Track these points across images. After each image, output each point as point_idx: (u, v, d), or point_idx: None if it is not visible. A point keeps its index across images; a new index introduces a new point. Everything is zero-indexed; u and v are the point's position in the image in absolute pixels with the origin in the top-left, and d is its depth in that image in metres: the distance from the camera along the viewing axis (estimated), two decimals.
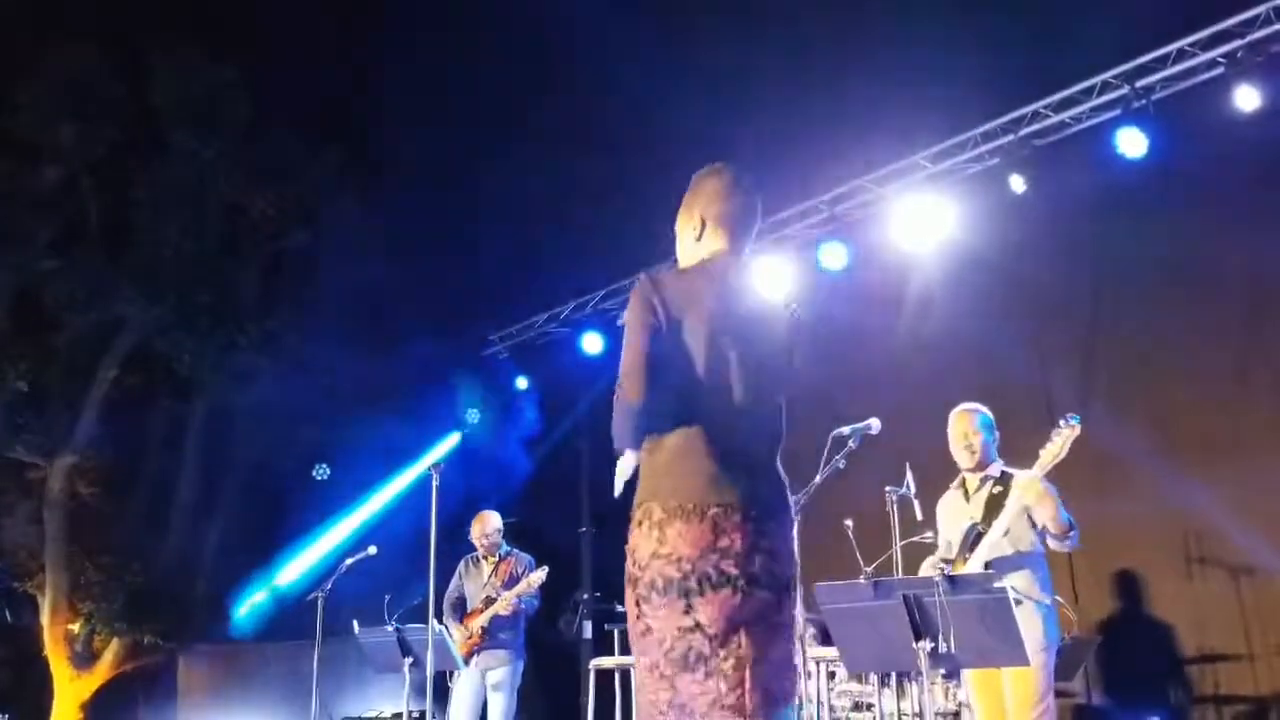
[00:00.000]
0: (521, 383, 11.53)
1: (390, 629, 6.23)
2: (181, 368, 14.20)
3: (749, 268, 2.90)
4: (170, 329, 14.10)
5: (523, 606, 6.69)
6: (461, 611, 6.82)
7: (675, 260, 3.06)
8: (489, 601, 6.65)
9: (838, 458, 4.44)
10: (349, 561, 7.34)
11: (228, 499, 14.40)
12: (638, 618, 2.63)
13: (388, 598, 6.65)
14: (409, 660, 6.10)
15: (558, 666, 9.44)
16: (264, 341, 14.23)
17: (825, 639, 5.24)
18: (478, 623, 6.62)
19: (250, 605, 11.34)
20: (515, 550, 6.95)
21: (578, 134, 11.05)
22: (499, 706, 6.54)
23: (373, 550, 7.35)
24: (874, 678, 5.28)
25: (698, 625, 2.52)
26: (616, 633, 7.39)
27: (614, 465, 2.90)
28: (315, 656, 7.13)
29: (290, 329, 14.41)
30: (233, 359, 14.20)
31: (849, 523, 5.27)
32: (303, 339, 13.90)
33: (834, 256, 8.71)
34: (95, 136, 14.29)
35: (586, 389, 11.02)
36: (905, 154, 8.49)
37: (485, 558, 6.87)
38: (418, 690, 6.19)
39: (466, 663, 6.52)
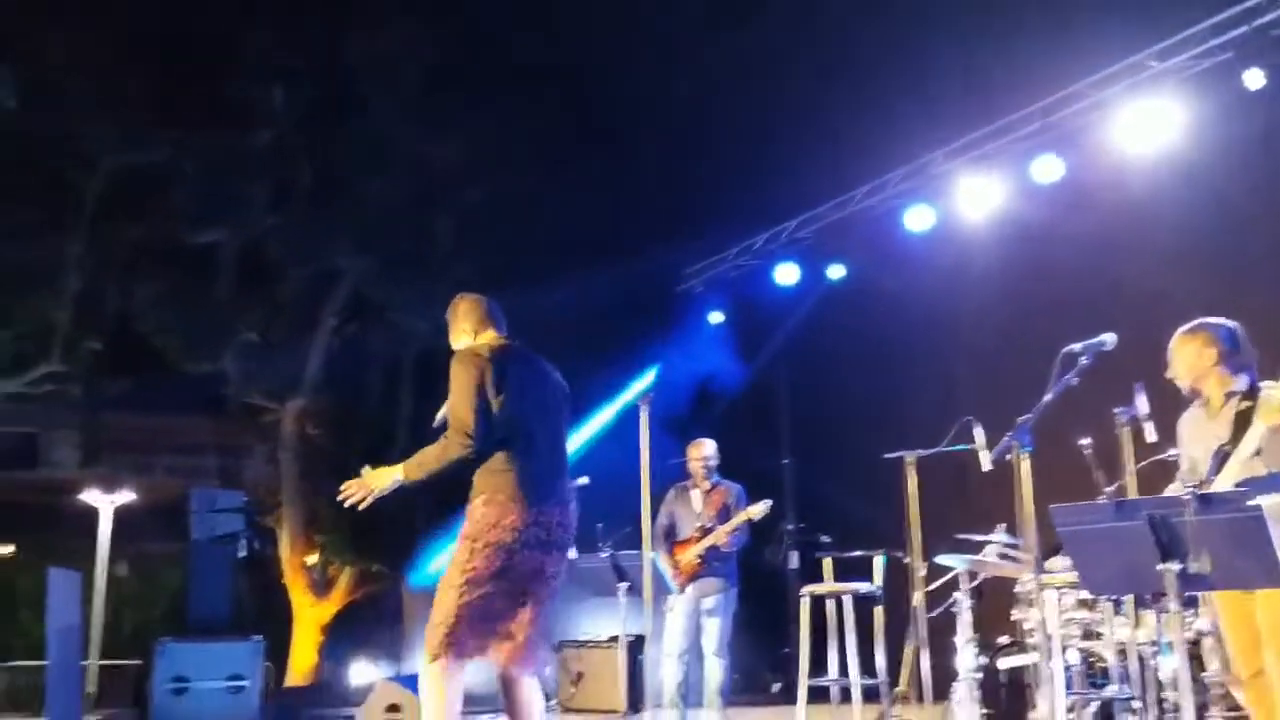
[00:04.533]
0: (716, 316, 11.51)
1: (604, 554, 6.37)
2: (392, 315, 14.87)
3: None
4: (378, 278, 14.78)
5: (734, 544, 6.71)
6: (671, 539, 6.91)
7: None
8: (703, 531, 6.71)
9: (1069, 375, 4.20)
10: None
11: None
12: None
13: (599, 526, 6.80)
14: (623, 585, 6.24)
15: (767, 595, 9.49)
16: (460, 288, 14.67)
17: None
18: (692, 552, 6.69)
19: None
20: (725, 481, 6.98)
21: (770, 64, 10.83)
22: (713, 632, 6.62)
23: (584, 480, 7.53)
24: (1107, 604, 5.05)
25: None
26: (828, 561, 7.34)
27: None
28: None
29: (483, 275, 14.83)
30: (432, 306, 14.74)
31: (1086, 442, 5.00)
32: (498, 285, 14.24)
33: (1048, 169, 8.26)
34: (299, 98, 15.01)
35: (781, 321, 10.91)
36: (1126, 54, 7.91)
37: (696, 486, 6.93)
38: (633, 615, 6.33)
39: (681, 590, 6.62)
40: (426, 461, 3.91)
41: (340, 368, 14.36)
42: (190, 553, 9.06)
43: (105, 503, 19.60)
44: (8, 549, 21.77)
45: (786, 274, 10.67)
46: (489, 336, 4.22)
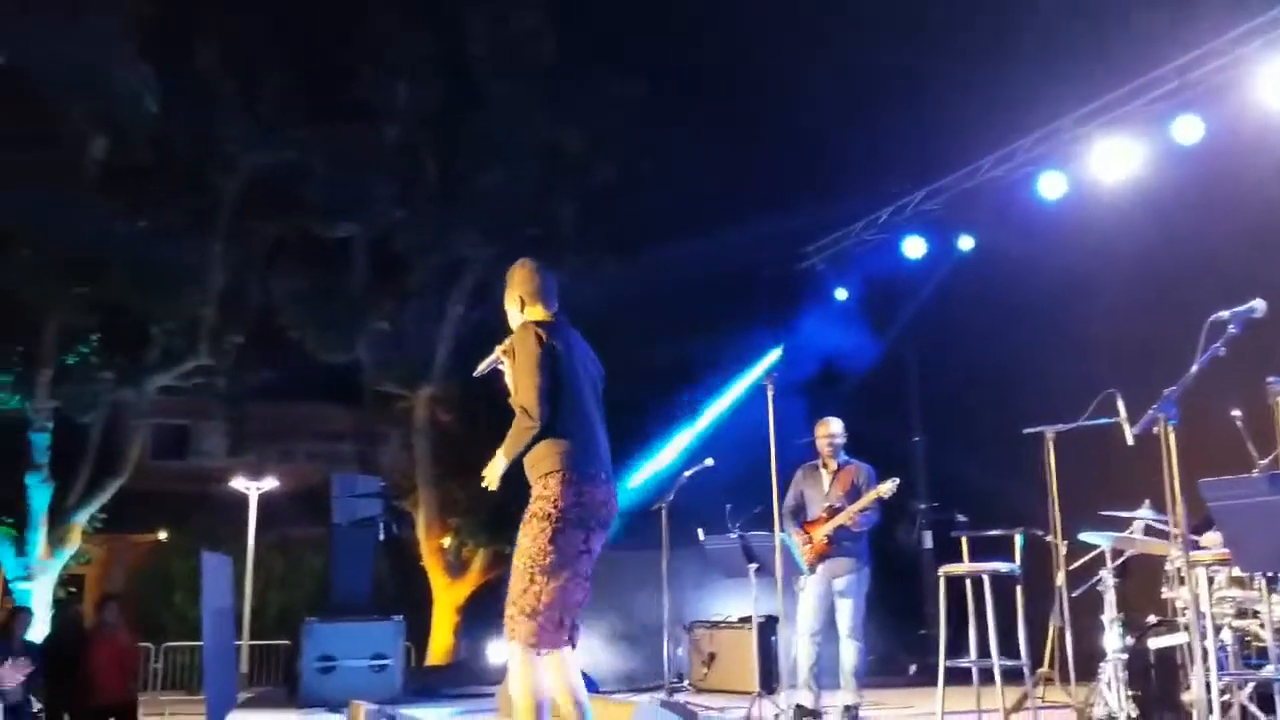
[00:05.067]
0: (841, 292, 11.35)
1: (734, 536, 6.36)
2: None
3: None
4: (503, 265, 14.97)
5: (865, 524, 6.63)
6: (800, 519, 6.86)
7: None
8: (832, 511, 6.64)
9: (1217, 344, 4.01)
10: (688, 473, 7.57)
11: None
12: None
13: (728, 506, 6.79)
14: (754, 566, 6.22)
15: (901, 575, 9.36)
16: (585, 270, 14.86)
17: None
18: (821, 532, 6.63)
19: None
20: (854, 460, 6.89)
21: (890, 34, 10.61)
22: (847, 612, 6.55)
23: (710, 462, 7.55)
24: (1261, 581, 4.81)
25: None
26: (964, 540, 7.19)
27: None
28: (664, 563, 7.45)
29: (608, 258, 14.96)
30: (560, 290, 14.92)
31: (1237, 413, 4.77)
32: (621, 266, 14.38)
33: (1188, 130, 7.89)
34: (423, 93, 15.35)
35: (910, 295, 10.71)
36: (1266, 7, 7.48)
37: (824, 465, 6.86)
38: (764, 595, 6.32)
39: (812, 570, 6.57)
40: (511, 446, 3.85)
41: (468, 354, 14.70)
42: (332, 536, 9.36)
43: (252, 489, 20.57)
44: (162, 534, 23.00)
45: (914, 247, 10.46)
46: (538, 312, 4.14)
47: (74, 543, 15.92)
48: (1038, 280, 9.18)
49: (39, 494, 15.14)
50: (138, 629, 11.13)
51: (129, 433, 16.18)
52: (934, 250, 10.41)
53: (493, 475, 3.99)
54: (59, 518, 15.48)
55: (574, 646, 3.80)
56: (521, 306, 4.18)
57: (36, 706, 9.15)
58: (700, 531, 6.65)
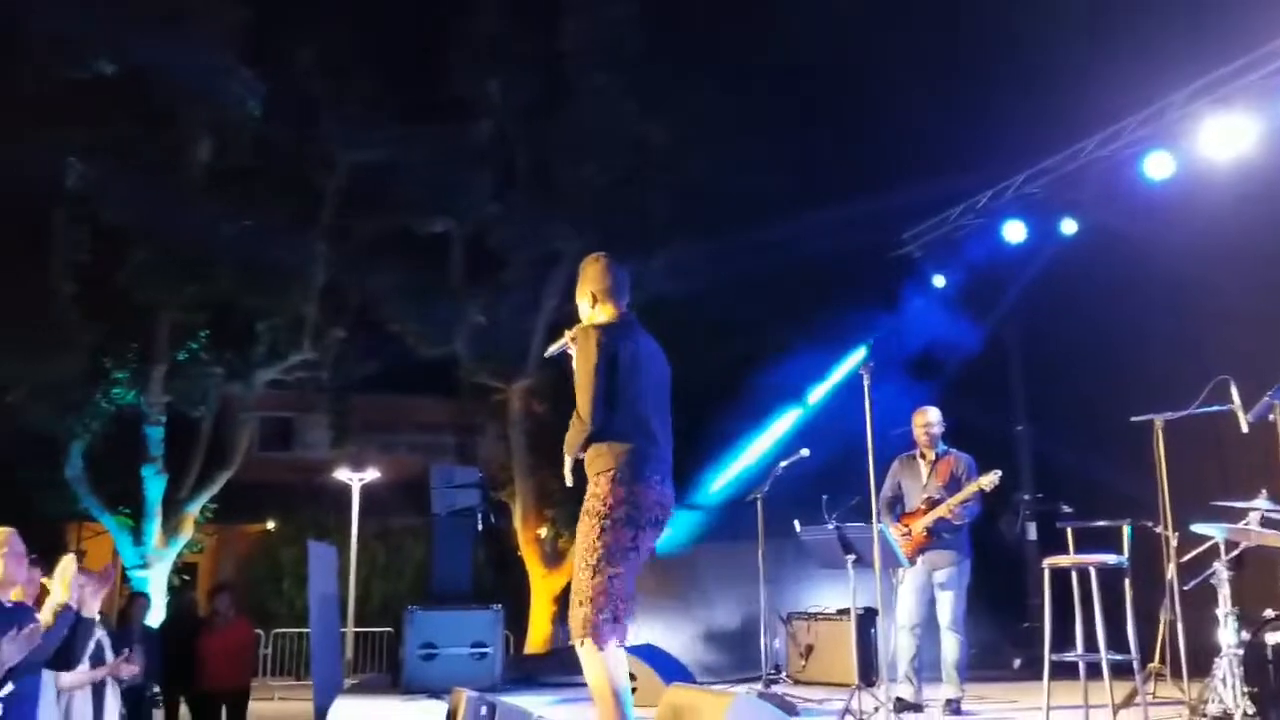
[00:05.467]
0: (939, 280, 11.15)
1: (831, 527, 6.31)
2: None
3: None
4: None
5: (965, 515, 6.51)
6: (898, 510, 6.77)
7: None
8: (931, 503, 6.54)
9: None
10: (783, 464, 7.54)
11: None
12: None
13: (825, 497, 6.74)
14: (851, 558, 6.16)
15: (1004, 567, 9.17)
16: (673, 264, 14.87)
17: None
18: (921, 523, 6.53)
19: (691, 510, 11.97)
20: (953, 450, 6.77)
21: (985, 12, 10.37)
22: (948, 605, 6.45)
23: (805, 452, 7.50)
24: None
25: None
26: (1069, 531, 7.02)
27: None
28: (760, 555, 7.44)
29: (700, 248, 14.93)
30: (646, 280, 14.97)
31: None
32: (713, 256, 14.33)
33: None
34: (515, 87, 15.52)
35: (1011, 280, 10.47)
36: None
37: (923, 455, 6.75)
38: (862, 587, 6.25)
39: (911, 562, 6.48)
40: (569, 445, 3.96)
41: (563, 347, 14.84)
42: (432, 526, 9.52)
43: (355, 480, 21.08)
44: (270, 524, 23.73)
45: (1014, 231, 10.21)
46: (608, 310, 4.20)
47: (187, 532, 16.52)
48: (1145, 264, 8.89)
49: (154, 485, 15.75)
50: (249, 616, 11.49)
51: (237, 426, 16.72)
52: (1035, 234, 10.16)
53: (566, 472, 4.10)
54: (173, 508, 16.08)
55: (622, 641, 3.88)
56: (593, 303, 4.22)
57: (154, 690, 9.53)
58: (796, 523, 6.61)
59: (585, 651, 3.82)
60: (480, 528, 9.41)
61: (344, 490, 21.21)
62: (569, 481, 4.11)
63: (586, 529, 3.83)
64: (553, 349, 4.32)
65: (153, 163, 14.67)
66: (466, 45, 15.36)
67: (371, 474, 21.17)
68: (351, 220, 15.90)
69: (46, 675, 4.12)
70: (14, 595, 4.06)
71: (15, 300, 14.38)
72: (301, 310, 15.72)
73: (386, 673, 11.17)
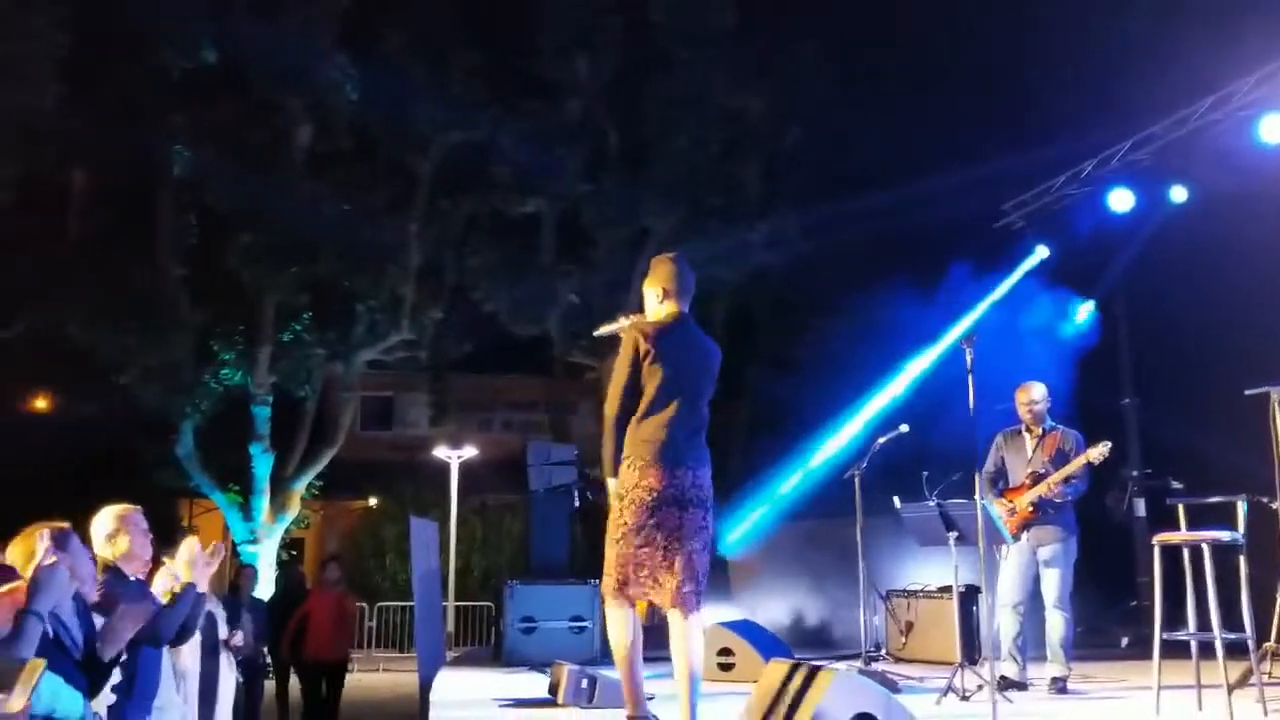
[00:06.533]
0: (1042, 250, 10.85)
1: (932, 503, 6.22)
2: (701, 270, 15.13)
3: None
4: (686, 234, 15.07)
5: (1071, 492, 6.35)
6: (1001, 486, 6.64)
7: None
8: (1036, 477, 6.40)
9: None
10: (882, 440, 7.43)
11: (753, 388, 15.23)
12: None
13: (925, 474, 6.64)
14: (953, 534, 6.06)
15: (1111, 544, 8.94)
16: (771, 237, 14.74)
17: None
18: (1025, 499, 6.40)
19: (787, 487, 11.92)
20: (1060, 426, 6.60)
21: None
22: (1053, 582, 6.31)
23: (904, 428, 7.39)
24: None
25: None
26: (1180, 508, 6.79)
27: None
28: (858, 532, 7.36)
29: (795, 221, 14.79)
30: (744, 257, 14.88)
31: None
32: (809, 229, 14.17)
33: None
34: (603, 65, 15.52)
35: (1118, 250, 10.15)
36: None
37: (1028, 430, 6.60)
38: (965, 564, 6.15)
39: (1015, 538, 6.36)
40: (604, 456, 4.29)
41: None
42: (529, 503, 9.64)
43: (453, 457, 21.47)
44: (372, 500, 24.32)
45: (1121, 200, 9.89)
46: (671, 308, 4.46)
47: (294, 508, 17.03)
48: (1258, 231, 8.52)
49: (261, 463, 16.26)
50: (353, 590, 11.79)
51: (340, 405, 17.15)
52: (1143, 203, 9.82)
53: (609, 500, 4.36)
54: (280, 485, 16.58)
55: (686, 613, 4.18)
56: (661, 298, 4.47)
57: (266, 659, 9.86)
58: (896, 499, 6.53)
59: (609, 613, 4.31)
60: (577, 504, 9.50)
61: (443, 467, 21.61)
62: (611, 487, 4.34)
63: (613, 509, 4.25)
64: (605, 329, 4.64)
65: (255, 149, 15.06)
66: (555, 24, 15.40)
67: (469, 451, 21.52)
68: (446, 202, 16.13)
69: (166, 648, 4.28)
70: (137, 570, 4.23)
71: (128, 285, 14.94)
72: (399, 291, 16.02)
73: (488, 645, 11.37)
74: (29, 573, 2.68)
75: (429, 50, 15.31)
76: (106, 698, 3.50)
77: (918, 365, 11.22)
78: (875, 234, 11.85)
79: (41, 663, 2.25)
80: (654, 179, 15.26)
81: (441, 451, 21.56)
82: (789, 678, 4.34)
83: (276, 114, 15.25)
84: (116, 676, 3.53)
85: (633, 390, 4.26)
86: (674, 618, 4.20)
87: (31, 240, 14.11)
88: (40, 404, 21.35)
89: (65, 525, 3.41)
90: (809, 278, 13.92)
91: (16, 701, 2.17)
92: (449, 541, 20.07)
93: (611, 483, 4.28)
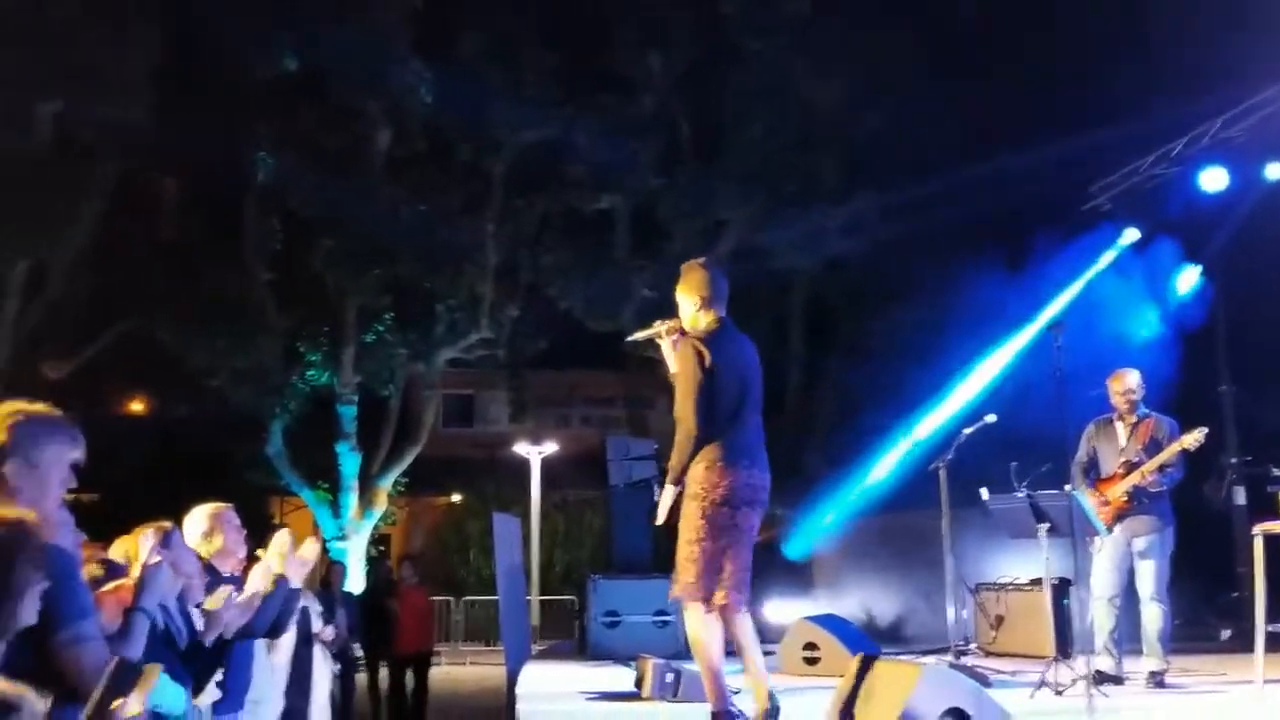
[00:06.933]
0: (1132, 233, 10.55)
1: (1021, 495, 6.09)
2: (778, 258, 15.03)
3: None
4: (762, 224, 14.98)
5: (1166, 481, 6.16)
6: (1094, 476, 6.47)
7: None
8: (1129, 466, 6.22)
9: None
10: (968, 430, 7.29)
11: (832, 378, 15.07)
12: None
13: (1014, 464, 6.49)
14: (1044, 526, 5.93)
15: (1209, 535, 8.66)
16: (849, 223, 14.56)
17: None
18: (1119, 489, 6.22)
19: (870, 480, 11.76)
20: (1154, 413, 6.40)
21: None
22: (1149, 575, 6.13)
23: (991, 418, 7.23)
24: None
25: None
26: None
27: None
28: (944, 524, 7.23)
29: (873, 207, 14.59)
30: (821, 244, 14.73)
31: None
32: (888, 214, 13.96)
33: None
34: (676, 59, 15.49)
35: (1211, 232, 9.83)
36: None
37: (1121, 419, 6.42)
38: (1057, 556, 6.01)
39: (1109, 529, 6.20)
40: (677, 464, 4.36)
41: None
42: (610, 498, 9.67)
43: (533, 453, 21.66)
44: (455, 497, 24.65)
45: (1213, 179, 9.56)
46: (710, 319, 4.51)
47: (381, 505, 17.35)
48: None
49: (349, 461, 16.60)
50: (438, 584, 12.00)
51: (422, 403, 17.42)
52: (1237, 182, 9.48)
53: (666, 503, 4.44)
54: (367, 483, 16.91)
55: (742, 610, 4.33)
56: (699, 306, 4.52)
57: (358, 652, 10.07)
58: (984, 491, 6.40)
59: (689, 615, 4.39)
60: (657, 499, 9.50)
61: (523, 463, 21.80)
62: (661, 519, 4.50)
63: (690, 510, 4.31)
64: (639, 335, 4.78)
65: (335, 154, 15.35)
66: (628, 21, 15.42)
67: (549, 447, 21.68)
68: (520, 201, 16.26)
69: (260, 642, 4.37)
70: (232, 568, 4.33)
71: (217, 291, 15.35)
72: (477, 290, 16.20)
73: (572, 639, 11.45)
74: (135, 571, 2.75)
75: (502, 51, 15.44)
76: (213, 693, 3.59)
77: (1003, 353, 10.97)
78: (957, 219, 11.63)
79: (158, 668, 2.33)
80: (728, 170, 15.20)
81: (521, 448, 21.75)
82: (877, 672, 4.29)
83: (355, 119, 15.52)
84: (219, 674, 3.61)
85: (707, 397, 4.32)
86: (730, 616, 4.33)
87: (124, 249, 14.56)
88: (136, 407, 22.03)
89: (168, 525, 3.51)
90: (888, 264, 13.72)
91: (134, 706, 2.26)
92: (531, 536, 20.25)
93: (670, 490, 4.40)
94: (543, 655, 9.61)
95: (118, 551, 3.46)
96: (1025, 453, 6.69)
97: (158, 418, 20.76)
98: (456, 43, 15.58)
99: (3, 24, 12.29)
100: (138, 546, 3.20)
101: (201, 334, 15.25)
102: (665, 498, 4.47)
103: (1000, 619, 8.14)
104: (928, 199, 12.40)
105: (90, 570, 2.84)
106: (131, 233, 14.84)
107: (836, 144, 14.85)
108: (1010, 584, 8.21)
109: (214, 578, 4.07)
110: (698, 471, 4.32)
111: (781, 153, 14.68)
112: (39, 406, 2.55)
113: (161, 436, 20.22)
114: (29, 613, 2.09)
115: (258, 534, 4.47)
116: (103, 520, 4.07)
